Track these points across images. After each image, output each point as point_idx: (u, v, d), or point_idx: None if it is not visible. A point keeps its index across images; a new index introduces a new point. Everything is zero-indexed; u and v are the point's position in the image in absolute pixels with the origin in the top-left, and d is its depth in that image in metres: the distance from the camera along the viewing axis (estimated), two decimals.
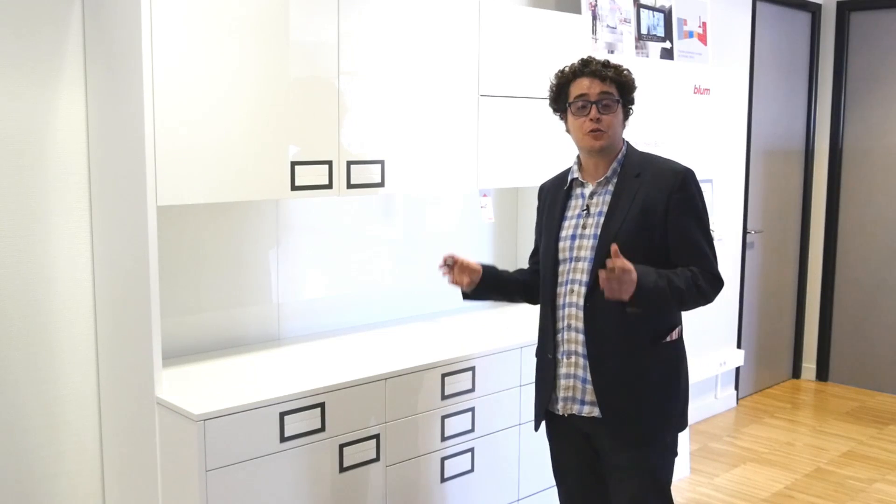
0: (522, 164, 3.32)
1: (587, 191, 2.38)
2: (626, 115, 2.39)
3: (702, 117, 4.21)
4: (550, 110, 2.46)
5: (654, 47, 4.00)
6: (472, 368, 2.91)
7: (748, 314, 5.42)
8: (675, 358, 2.38)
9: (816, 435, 4.81)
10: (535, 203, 3.89)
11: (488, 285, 2.55)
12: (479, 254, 3.70)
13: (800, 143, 5.72)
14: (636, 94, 2.40)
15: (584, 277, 2.31)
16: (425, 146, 2.98)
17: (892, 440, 4.73)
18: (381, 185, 2.87)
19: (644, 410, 2.31)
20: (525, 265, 2.67)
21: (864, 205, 5.61)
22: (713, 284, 2.31)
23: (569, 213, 2.41)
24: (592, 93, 2.31)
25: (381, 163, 2.85)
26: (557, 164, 3.43)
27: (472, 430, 2.93)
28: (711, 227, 2.40)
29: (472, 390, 2.92)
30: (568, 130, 2.41)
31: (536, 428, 2.50)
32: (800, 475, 4.22)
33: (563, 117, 2.42)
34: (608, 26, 3.70)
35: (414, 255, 3.47)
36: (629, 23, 3.82)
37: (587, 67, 2.34)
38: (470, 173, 3.14)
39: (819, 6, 5.62)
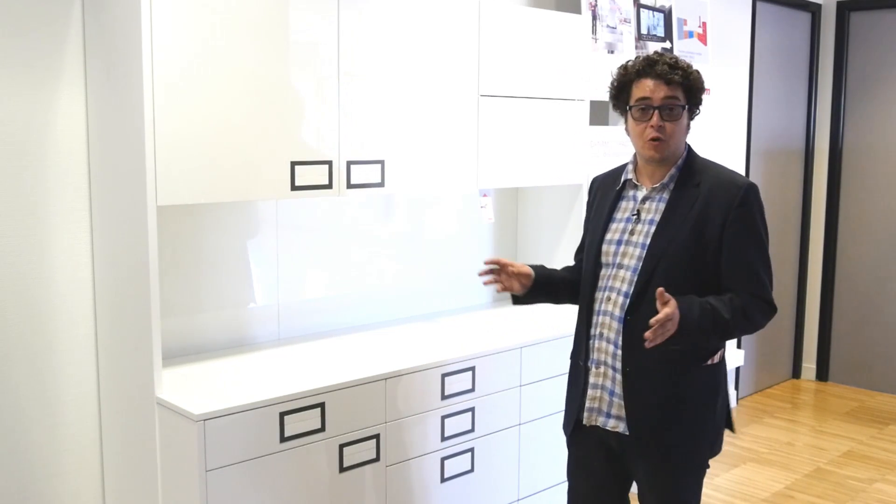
0: (522, 164, 3.32)
1: (640, 194, 2.24)
2: (692, 117, 2.24)
3: (702, 117, 4.21)
4: (611, 108, 2.29)
5: (654, 47, 3.99)
6: (472, 368, 2.91)
7: None
8: (714, 382, 2.24)
9: (816, 435, 4.81)
10: (535, 203, 3.90)
11: (541, 289, 2.40)
12: (479, 254, 3.70)
13: (800, 143, 5.72)
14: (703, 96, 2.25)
15: (625, 287, 2.20)
16: (425, 146, 2.98)
17: (892, 440, 4.73)
18: (381, 185, 2.86)
19: (674, 433, 2.20)
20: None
21: (864, 205, 5.61)
22: (765, 312, 2.16)
23: (617, 216, 2.27)
24: (656, 97, 2.15)
25: (381, 163, 2.85)
26: (557, 164, 3.44)
27: (472, 430, 2.93)
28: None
29: (472, 390, 2.91)
30: (628, 132, 2.26)
31: (566, 433, 2.40)
32: (800, 475, 4.22)
33: (624, 117, 2.26)
34: (608, 26, 3.70)
35: (414, 255, 3.47)
36: (629, 23, 3.82)
37: (653, 68, 2.16)
38: (470, 173, 3.14)
39: (819, 6, 5.62)
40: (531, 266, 2.41)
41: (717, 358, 2.24)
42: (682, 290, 2.11)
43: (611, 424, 2.25)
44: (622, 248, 2.23)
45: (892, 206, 5.49)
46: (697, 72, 2.22)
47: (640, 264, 2.18)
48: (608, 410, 2.25)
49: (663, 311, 2.02)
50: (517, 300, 2.44)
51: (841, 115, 5.65)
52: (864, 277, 5.63)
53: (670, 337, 2.05)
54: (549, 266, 2.52)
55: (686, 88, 2.18)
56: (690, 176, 2.20)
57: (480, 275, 2.40)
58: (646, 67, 2.18)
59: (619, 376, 2.22)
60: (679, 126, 2.18)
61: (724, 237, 2.13)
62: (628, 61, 2.25)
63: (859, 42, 5.56)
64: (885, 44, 5.46)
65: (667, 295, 2.05)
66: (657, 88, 2.15)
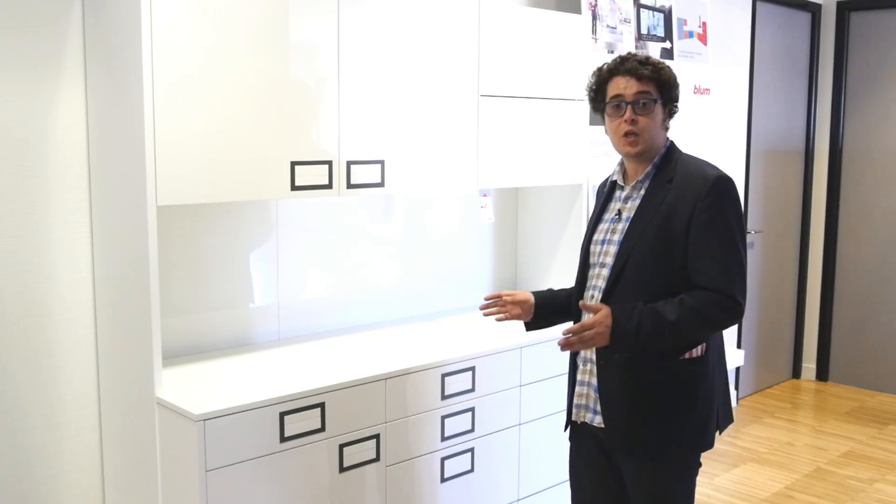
0: (522, 164, 3.32)
1: (624, 194, 2.28)
2: (670, 114, 2.26)
3: (702, 117, 4.21)
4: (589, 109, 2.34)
5: (654, 47, 4.00)
6: (472, 368, 2.91)
7: (748, 314, 5.42)
8: (695, 376, 2.21)
9: (816, 435, 4.81)
10: (535, 203, 3.91)
11: (548, 311, 2.43)
12: (479, 254, 3.70)
13: (800, 143, 5.72)
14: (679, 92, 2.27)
15: (603, 284, 2.24)
16: (425, 146, 2.98)
17: (892, 440, 4.73)
18: (381, 185, 2.86)
19: (649, 427, 2.20)
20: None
21: (864, 205, 5.61)
22: (728, 310, 2.13)
23: (605, 216, 2.32)
24: (628, 93, 2.19)
25: (381, 163, 2.85)
26: (557, 164, 3.44)
27: (472, 430, 2.93)
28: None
29: (472, 390, 2.91)
30: (607, 132, 2.29)
31: (565, 429, 2.44)
32: (800, 475, 4.22)
33: (603, 118, 2.29)
34: (608, 26, 3.70)
35: (414, 255, 3.47)
36: (629, 23, 3.82)
37: (623, 65, 2.21)
38: (470, 173, 3.14)
39: (819, 6, 5.62)
40: (533, 292, 2.46)
41: (697, 352, 2.21)
42: (651, 287, 2.16)
43: (597, 420, 2.28)
44: (604, 247, 2.28)
45: (892, 207, 5.49)
46: (669, 68, 2.26)
47: (615, 261, 2.23)
48: (594, 407, 2.28)
49: (579, 324, 2.13)
50: (529, 326, 2.49)
51: (841, 116, 5.65)
52: (864, 278, 5.64)
53: (610, 346, 2.13)
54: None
55: (658, 83, 2.21)
56: (666, 171, 2.22)
57: (481, 309, 2.47)
58: (617, 66, 2.23)
59: (595, 369, 2.27)
60: (653, 120, 2.21)
61: (690, 230, 2.13)
62: (603, 63, 2.30)
63: (859, 42, 5.56)
64: (885, 44, 5.46)
65: (598, 305, 2.14)
66: (629, 84, 2.20)
